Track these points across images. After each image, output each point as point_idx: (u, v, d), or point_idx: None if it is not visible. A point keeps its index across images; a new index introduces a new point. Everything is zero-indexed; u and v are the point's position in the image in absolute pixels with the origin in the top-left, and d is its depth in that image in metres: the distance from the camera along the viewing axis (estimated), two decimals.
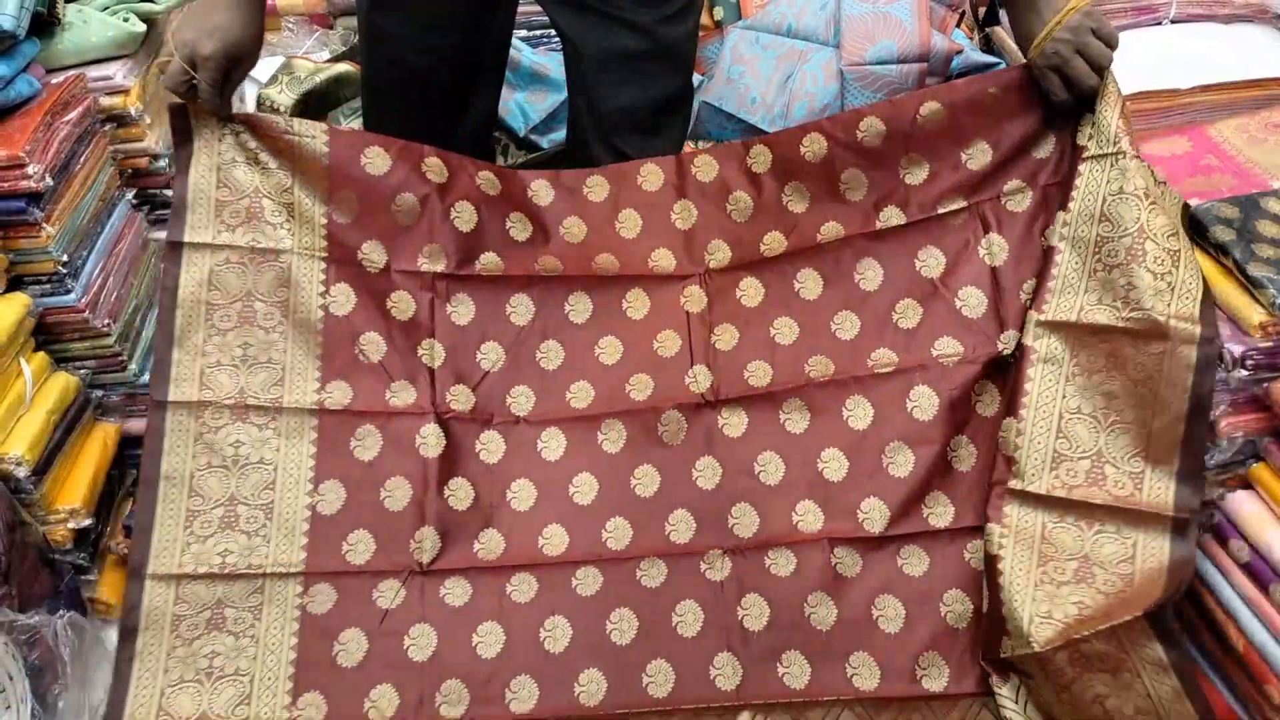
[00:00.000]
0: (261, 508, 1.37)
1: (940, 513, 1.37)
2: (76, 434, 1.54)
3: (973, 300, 1.43)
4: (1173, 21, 1.88)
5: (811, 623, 1.34)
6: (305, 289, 1.44)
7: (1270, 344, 1.24)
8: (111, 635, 1.51)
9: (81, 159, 1.58)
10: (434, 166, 1.49)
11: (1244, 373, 1.24)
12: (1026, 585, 1.28)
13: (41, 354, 1.52)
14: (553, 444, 1.46)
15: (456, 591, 1.37)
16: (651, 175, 1.56)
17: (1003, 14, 1.99)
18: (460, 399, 1.46)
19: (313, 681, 1.31)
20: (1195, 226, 1.35)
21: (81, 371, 1.58)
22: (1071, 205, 1.34)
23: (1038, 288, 1.35)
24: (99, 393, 1.61)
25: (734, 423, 1.45)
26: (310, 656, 1.32)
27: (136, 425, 1.65)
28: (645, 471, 1.44)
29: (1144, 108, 1.59)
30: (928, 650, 1.33)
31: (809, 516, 1.39)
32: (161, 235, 1.79)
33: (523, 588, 1.38)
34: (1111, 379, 1.28)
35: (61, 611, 1.41)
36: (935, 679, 1.32)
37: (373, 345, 1.46)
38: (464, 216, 1.51)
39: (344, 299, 1.45)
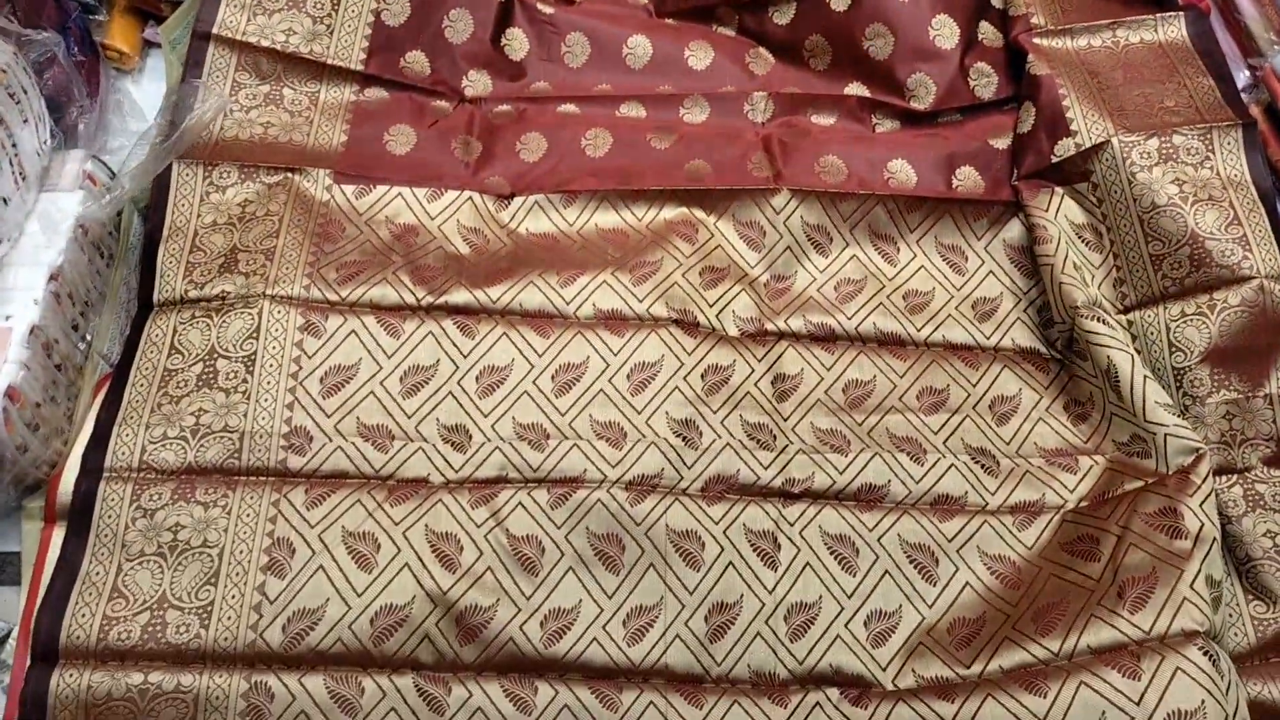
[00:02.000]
0: None
1: (984, 83, 1.38)
2: None
3: None
4: None
5: (852, 133, 1.36)
6: None
7: None
8: (126, 84, 1.46)
9: None
10: None
11: None
12: (1086, 88, 1.29)
13: None
14: (608, 10, 1.47)
15: (504, 110, 1.38)
16: None
17: None
18: None
19: (359, 161, 1.31)
20: None
21: None
22: None
23: None
24: None
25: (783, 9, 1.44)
26: (360, 142, 1.32)
27: None
28: (699, 45, 1.43)
29: None
30: (965, 165, 1.32)
31: (854, 87, 1.40)
32: None
33: (567, 108, 1.38)
34: None
35: (74, 51, 1.34)
36: (970, 187, 1.31)
37: None
38: None
39: None
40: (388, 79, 1.36)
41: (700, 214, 1.29)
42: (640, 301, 1.22)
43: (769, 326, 1.23)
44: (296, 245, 1.22)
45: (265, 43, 1.32)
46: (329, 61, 1.33)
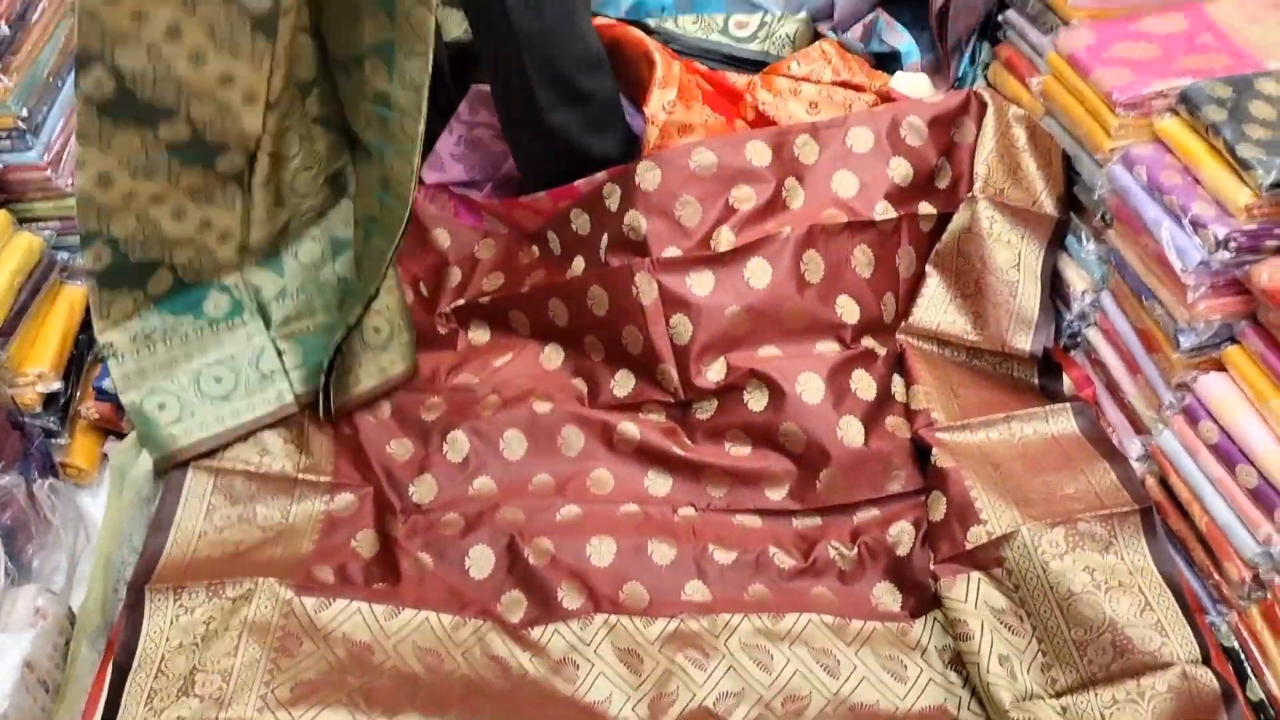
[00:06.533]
0: None
1: (897, 475, 1.45)
2: (42, 296, 1.51)
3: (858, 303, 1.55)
4: None
5: (775, 562, 1.40)
6: None
7: (1254, 226, 1.22)
8: (84, 499, 1.52)
9: (39, 9, 1.52)
10: None
11: (1226, 255, 1.22)
12: (990, 479, 1.37)
13: (3, 212, 1.48)
14: (545, 408, 1.54)
15: (452, 520, 1.42)
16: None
17: None
18: None
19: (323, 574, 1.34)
20: (1187, 105, 1.32)
21: (45, 233, 1.54)
22: (943, 237, 1.57)
23: (909, 302, 1.58)
24: (64, 255, 1.58)
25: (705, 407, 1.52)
26: (326, 553, 1.36)
27: None
28: (627, 427, 1.50)
29: None
30: (882, 580, 1.39)
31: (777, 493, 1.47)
32: None
33: (513, 513, 1.42)
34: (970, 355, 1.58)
35: (34, 476, 1.41)
36: (890, 604, 1.36)
37: None
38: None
39: None
40: (355, 484, 1.43)
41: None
42: None
43: None
44: (253, 664, 1.22)
45: (240, 466, 1.38)
46: (300, 477, 1.40)
